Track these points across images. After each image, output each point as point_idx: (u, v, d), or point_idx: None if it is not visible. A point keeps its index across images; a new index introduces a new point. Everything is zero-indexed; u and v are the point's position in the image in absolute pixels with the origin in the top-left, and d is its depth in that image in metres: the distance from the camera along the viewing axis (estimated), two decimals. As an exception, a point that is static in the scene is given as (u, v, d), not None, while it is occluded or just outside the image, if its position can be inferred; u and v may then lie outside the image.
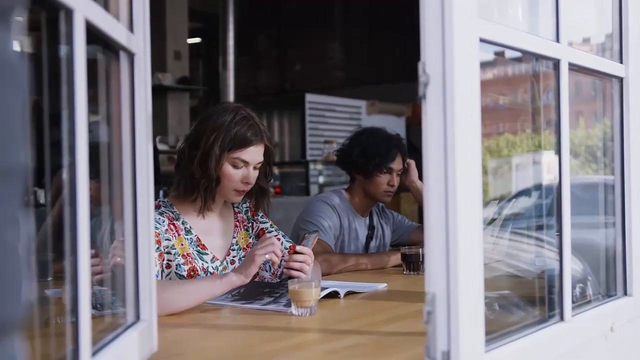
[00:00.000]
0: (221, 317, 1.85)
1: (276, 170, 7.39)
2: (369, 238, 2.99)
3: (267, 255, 1.88)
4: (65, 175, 0.96)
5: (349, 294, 2.07)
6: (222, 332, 1.68)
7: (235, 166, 2.08)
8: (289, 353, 1.45)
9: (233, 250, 2.21)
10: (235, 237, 2.22)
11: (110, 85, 1.28)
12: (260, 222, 2.30)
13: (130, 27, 1.28)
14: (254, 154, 2.09)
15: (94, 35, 1.06)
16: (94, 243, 1.01)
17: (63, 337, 0.99)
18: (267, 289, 2.05)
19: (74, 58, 0.95)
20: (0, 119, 0.50)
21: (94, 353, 1.03)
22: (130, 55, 1.28)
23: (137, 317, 1.30)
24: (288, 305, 1.81)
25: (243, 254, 2.21)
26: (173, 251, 2.03)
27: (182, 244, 2.06)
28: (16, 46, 0.55)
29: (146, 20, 1.33)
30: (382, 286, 2.24)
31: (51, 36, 0.99)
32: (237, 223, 2.25)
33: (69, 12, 0.94)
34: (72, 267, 0.95)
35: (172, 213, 2.10)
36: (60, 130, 0.97)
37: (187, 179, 2.08)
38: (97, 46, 1.18)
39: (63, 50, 0.96)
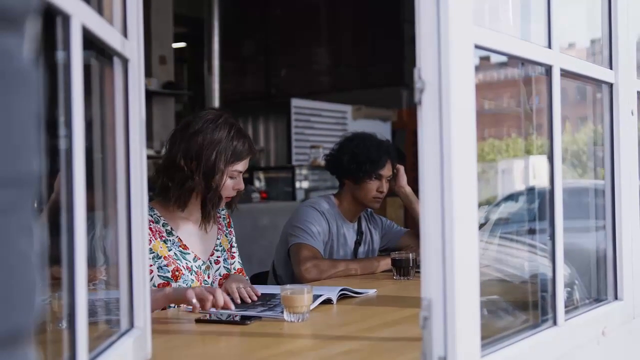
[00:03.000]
0: (215, 324, 1.84)
1: (262, 175, 7.37)
2: (358, 243, 2.99)
3: (194, 300, 1.81)
4: (61, 180, 0.95)
5: (342, 297, 2.07)
6: (215, 339, 1.67)
7: (232, 177, 2.17)
8: None
9: (217, 250, 2.28)
10: (219, 239, 2.30)
11: (104, 90, 1.27)
12: (233, 235, 2.39)
13: (124, 33, 1.28)
14: (247, 163, 2.21)
15: (89, 41, 1.05)
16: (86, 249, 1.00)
17: (56, 344, 0.98)
18: (260, 299, 2.04)
19: (71, 63, 0.94)
20: (14, 126, 0.50)
21: (90, 361, 1.02)
22: (125, 61, 1.27)
23: (131, 325, 1.29)
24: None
25: (226, 255, 2.30)
26: (151, 254, 2.07)
27: (161, 247, 2.11)
28: (28, 54, 0.54)
29: (140, 26, 1.32)
30: (372, 292, 2.24)
31: (46, 41, 0.98)
32: (220, 226, 2.33)
33: (66, 18, 0.94)
34: (69, 275, 0.94)
35: (152, 216, 2.14)
36: (55, 136, 0.96)
37: (186, 192, 2.12)
38: (91, 51, 1.17)
39: (59, 55, 0.95)
